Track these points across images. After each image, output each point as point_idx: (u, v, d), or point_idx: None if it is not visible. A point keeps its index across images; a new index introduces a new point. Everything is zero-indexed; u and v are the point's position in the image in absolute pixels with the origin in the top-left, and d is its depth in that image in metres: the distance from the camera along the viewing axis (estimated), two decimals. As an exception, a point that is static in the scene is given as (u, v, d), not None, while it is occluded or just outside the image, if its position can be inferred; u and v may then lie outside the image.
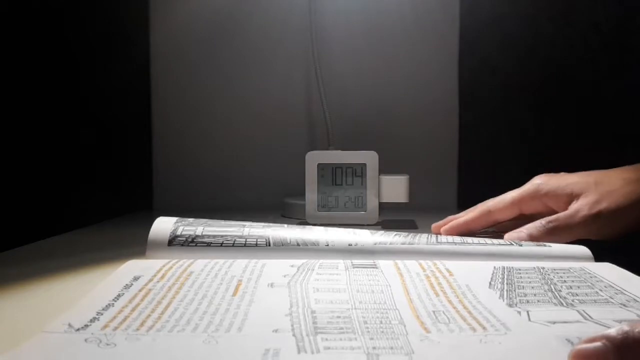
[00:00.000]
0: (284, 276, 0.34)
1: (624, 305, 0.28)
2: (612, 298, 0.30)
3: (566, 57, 0.83)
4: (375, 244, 0.40)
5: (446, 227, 0.50)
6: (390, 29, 0.78)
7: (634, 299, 0.29)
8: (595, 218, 0.43)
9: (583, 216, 0.44)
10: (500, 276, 0.34)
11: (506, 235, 0.45)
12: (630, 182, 0.45)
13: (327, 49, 0.76)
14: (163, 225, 0.41)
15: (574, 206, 0.45)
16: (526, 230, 0.44)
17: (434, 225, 0.52)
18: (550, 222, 0.44)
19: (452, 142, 0.79)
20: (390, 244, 0.40)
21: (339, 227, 0.51)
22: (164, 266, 0.36)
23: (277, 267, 0.36)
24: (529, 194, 0.48)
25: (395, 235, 0.42)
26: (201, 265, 0.36)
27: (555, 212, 0.46)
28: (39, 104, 0.84)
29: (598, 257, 0.39)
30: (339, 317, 0.27)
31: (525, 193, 0.48)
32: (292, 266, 0.36)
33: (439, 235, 0.43)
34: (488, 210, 0.49)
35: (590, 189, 0.45)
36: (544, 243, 0.42)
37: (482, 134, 0.84)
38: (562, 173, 0.50)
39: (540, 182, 0.49)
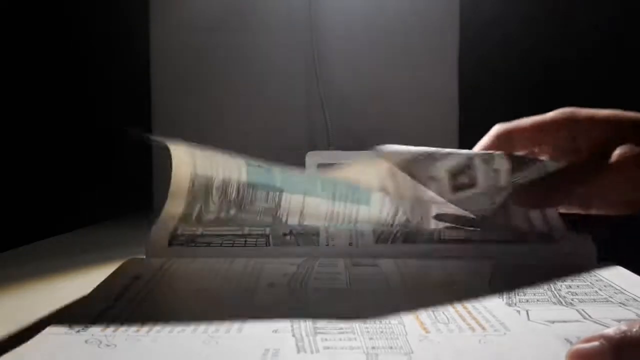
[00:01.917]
0: (284, 275, 0.34)
1: (623, 304, 0.28)
2: (611, 297, 0.30)
3: (566, 57, 0.83)
4: (378, 238, 0.40)
5: None
6: (390, 29, 0.78)
7: (634, 298, 0.29)
8: None
9: None
10: (500, 275, 0.34)
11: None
12: None
13: (327, 48, 0.76)
14: (163, 226, 0.41)
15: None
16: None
17: None
18: None
19: (452, 142, 0.79)
20: (392, 240, 0.40)
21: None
22: (163, 265, 0.36)
23: (276, 266, 0.36)
24: (561, 119, 0.38)
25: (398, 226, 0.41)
26: (201, 264, 0.36)
27: (579, 153, 0.37)
28: (39, 104, 0.84)
29: (598, 256, 0.39)
30: (338, 317, 0.27)
31: (556, 117, 0.38)
32: (292, 264, 0.36)
33: (442, 231, 0.42)
34: (508, 133, 0.41)
35: None
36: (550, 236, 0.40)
37: (482, 133, 0.84)
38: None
39: (571, 109, 0.38)
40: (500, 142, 0.41)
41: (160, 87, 0.79)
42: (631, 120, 0.36)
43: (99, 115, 0.85)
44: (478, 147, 0.43)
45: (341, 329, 0.25)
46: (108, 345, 0.23)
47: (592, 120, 0.37)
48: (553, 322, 0.26)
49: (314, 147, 0.76)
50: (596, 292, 0.31)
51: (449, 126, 0.79)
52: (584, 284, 0.32)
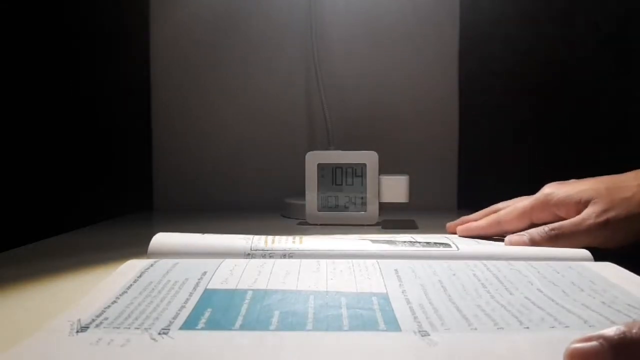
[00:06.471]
0: (287, 273, 0.34)
1: (623, 304, 0.28)
2: (610, 298, 0.30)
3: (566, 57, 0.83)
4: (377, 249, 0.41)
5: (461, 227, 0.50)
6: (391, 29, 0.78)
7: (633, 298, 0.29)
8: (603, 227, 0.41)
9: (589, 225, 0.42)
10: (500, 276, 0.34)
11: (507, 239, 0.44)
12: None
13: (327, 49, 0.76)
14: (164, 234, 0.41)
15: (581, 214, 0.43)
16: (528, 235, 0.43)
17: (448, 225, 0.52)
18: (553, 229, 0.43)
19: (452, 142, 0.79)
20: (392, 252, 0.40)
21: (339, 228, 0.51)
22: (165, 265, 0.36)
23: (279, 267, 0.36)
24: (539, 204, 0.46)
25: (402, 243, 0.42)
26: (202, 264, 0.36)
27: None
28: (40, 105, 0.84)
29: (598, 257, 0.39)
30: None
31: (535, 203, 0.47)
32: (292, 266, 0.36)
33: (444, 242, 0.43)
34: (498, 221, 0.48)
35: (600, 196, 0.43)
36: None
37: (482, 134, 0.84)
38: (572, 180, 0.48)
39: (549, 191, 0.47)
40: (492, 226, 0.49)
41: (160, 87, 0.79)
42: (599, 188, 0.44)
43: (99, 115, 0.85)
44: (474, 225, 0.50)
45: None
46: (108, 345, 0.23)
47: (564, 201, 0.45)
48: (551, 323, 0.26)
49: (314, 147, 0.76)
50: (595, 292, 0.30)
51: (449, 125, 0.79)
52: (583, 284, 0.32)
